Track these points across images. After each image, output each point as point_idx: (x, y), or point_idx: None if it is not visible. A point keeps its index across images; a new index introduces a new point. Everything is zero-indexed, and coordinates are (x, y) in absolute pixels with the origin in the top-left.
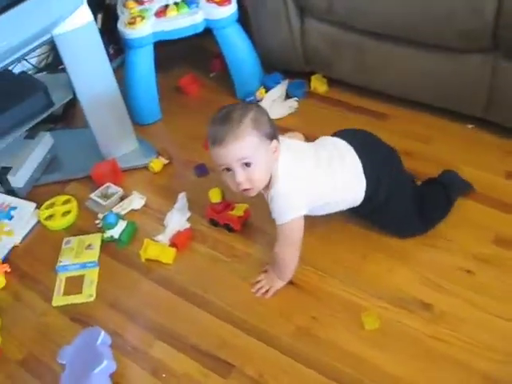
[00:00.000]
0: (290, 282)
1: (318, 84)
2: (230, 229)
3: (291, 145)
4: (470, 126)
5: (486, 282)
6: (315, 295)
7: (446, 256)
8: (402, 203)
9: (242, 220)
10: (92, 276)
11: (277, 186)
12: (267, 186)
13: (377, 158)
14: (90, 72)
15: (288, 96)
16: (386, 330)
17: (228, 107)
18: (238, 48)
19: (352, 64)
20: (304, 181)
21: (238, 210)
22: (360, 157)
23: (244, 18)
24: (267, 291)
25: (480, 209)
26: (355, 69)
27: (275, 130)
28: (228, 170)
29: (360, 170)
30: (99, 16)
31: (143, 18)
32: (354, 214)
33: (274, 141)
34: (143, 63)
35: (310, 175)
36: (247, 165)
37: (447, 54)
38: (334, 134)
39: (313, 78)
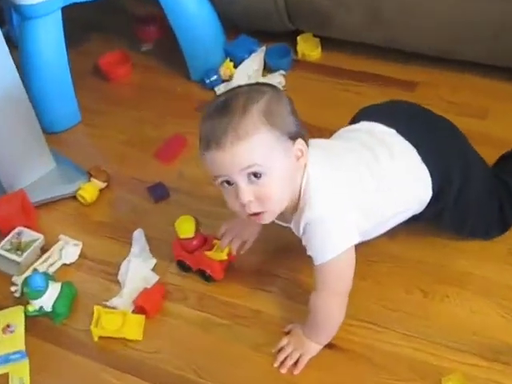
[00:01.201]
0: (328, 344)
1: (308, 48)
2: (206, 277)
3: (322, 145)
4: None
5: None
6: (369, 359)
7: None
8: (482, 190)
9: (224, 266)
10: (20, 373)
11: (312, 207)
12: (293, 209)
13: (435, 136)
14: None
15: (268, 69)
16: None
17: (229, 92)
18: (186, 3)
19: (360, 16)
20: (350, 195)
21: (219, 252)
22: (411, 141)
23: None
24: (296, 362)
25: None
26: (365, 22)
27: (300, 126)
28: (228, 183)
29: (417, 160)
30: None
31: None
32: (410, 222)
33: (299, 141)
34: (50, 39)
35: (357, 186)
36: (256, 176)
37: None
38: (357, 118)
39: (300, 39)
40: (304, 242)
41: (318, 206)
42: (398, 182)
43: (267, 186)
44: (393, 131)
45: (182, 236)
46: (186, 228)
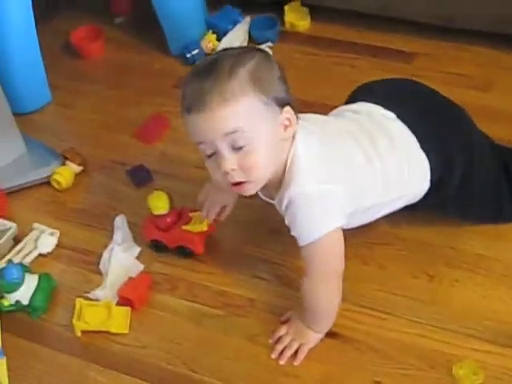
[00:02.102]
0: (330, 333)
1: (297, 18)
2: (186, 253)
3: (315, 120)
4: None
5: None
6: (375, 348)
7: None
8: (489, 176)
9: (204, 238)
10: None
11: (297, 182)
12: (278, 184)
13: (437, 122)
14: None
15: (253, 41)
16: None
17: (215, 54)
18: None
19: None
20: (340, 173)
21: (199, 224)
22: (411, 127)
23: None
24: (296, 352)
25: None
26: None
27: (289, 94)
28: (211, 154)
29: (416, 147)
30: None
31: None
32: (412, 209)
33: (287, 109)
34: (17, 13)
35: (348, 167)
36: (240, 143)
37: None
38: (355, 97)
39: (287, 8)
40: (287, 221)
41: (304, 183)
42: (393, 169)
43: (251, 153)
44: (392, 115)
45: (155, 213)
46: (159, 204)
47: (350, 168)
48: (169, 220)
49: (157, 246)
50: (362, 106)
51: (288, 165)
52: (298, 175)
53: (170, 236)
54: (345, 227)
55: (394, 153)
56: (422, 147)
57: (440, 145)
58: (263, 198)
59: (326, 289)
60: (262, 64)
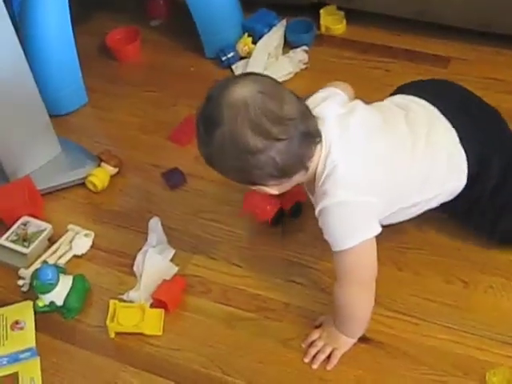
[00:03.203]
0: (363, 339)
1: (332, 21)
2: (298, 209)
3: (353, 116)
4: None
5: None
6: (408, 354)
7: None
8: None
9: None
10: (31, 372)
11: (334, 193)
12: (312, 182)
13: (475, 117)
14: None
15: (289, 45)
16: None
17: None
18: None
19: None
20: (380, 184)
21: None
22: (451, 121)
23: None
24: (329, 357)
25: None
26: None
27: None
28: None
29: (455, 142)
30: None
31: None
32: (441, 212)
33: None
34: (53, 16)
35: (390, 169)
36: None
37: None
38: (397, 93)
39: (323, 12)
40: (320, 225)
41: (340, 194)
42: (431, 164)
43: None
44: (432, 108)
45: None
46: None
47: (390, 174)
48: None
49: (277, 220)
50: (404, 99)
51: (325, 172)
52: (335, 187)
53: (285, 198)
54: (384, 223)
55: (434, 149)
56: (462, 144)
57: (479, 144)
58: (309, 195)
59: (356, 295)
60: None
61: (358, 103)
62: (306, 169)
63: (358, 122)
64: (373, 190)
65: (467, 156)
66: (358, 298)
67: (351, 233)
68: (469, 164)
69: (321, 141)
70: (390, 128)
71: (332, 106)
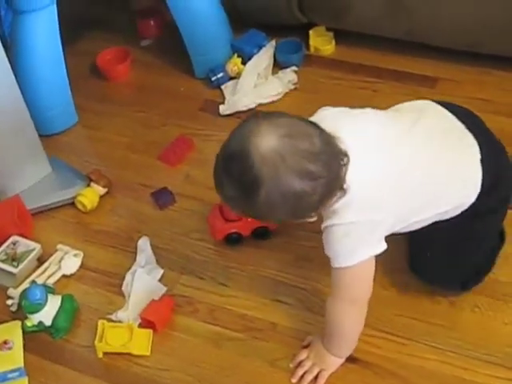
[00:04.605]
0: (351, 359)
1: (321, 42)
2: (264, 233)
3: (365, 131)
4: None
5: None
6: (396, 374)
7: None
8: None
9: None
10: None
11: (341, 216)
12: None
13: (492, 138)
14: None
15: (278, 65)
16: None
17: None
18: None
19: (381, 5)
20: (390, 202)
21: None
22: (476, 138)
23: None
24: (316, 378)
25: None
26: (385, 13)
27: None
28: None
29: (476, 159)
30: None
31: None
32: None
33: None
34: (44, 35)
35: (401, 185)
36: None
37: None
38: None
39: (312, 33)
40: (323, 239)
41: (347, 216)
42: (448, 176)
43: None
44: (456, 120)
45: None
46: None
47: (401, 189)
48: None
49: (233, 240)
50: (430, 105)
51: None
52: (346, 208)
53: (243, 223)
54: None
55: (452, 157)
56: (482, 160)
57: (494, 162)
58: None
59: (347, 313)
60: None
61: (370, 114)
62: (344, 190)
63: (372, 135)
64: (383, 208)
65: (482, 175)
66: (349, 315)
67: (353, 253)
68: (483, 183)
69: (348, 160)
70: (404, 140)
71: (344, 121)
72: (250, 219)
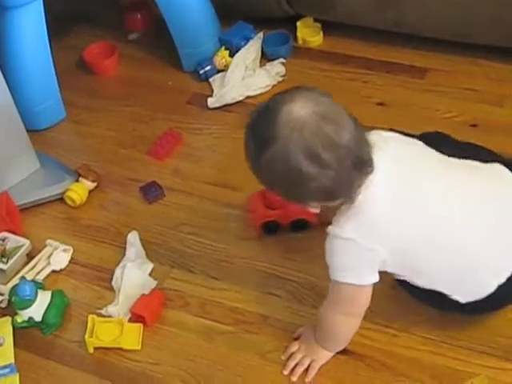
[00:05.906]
0: (343, 350)
1: (309, 33)
2: (303, 225)
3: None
4: None
5: None
6: (387, 366)
7: None
8: None
9: None
10: None
11: (341, 226)
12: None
13: None
14: None
15: (266, 57)
16: None
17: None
18: None
19: None
20: (393, 237)
21: None
22: None
23: None
24: (307, 369)
25: None
26: (373, 4)
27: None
28: None
29: None
30: None
31: None
32: None
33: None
34: (31, 30)
35: (410, 227)
36: None
37: None
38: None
39: (300, 25)
40: (325, 244)
41: (347, 229)
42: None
43: None
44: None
45: None
46: None
47: (407, 232)
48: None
49: (269, 229)
50: (492, 167)
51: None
52: (351, 222)
53: (283, 212)
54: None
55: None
56: None
57: None
58: None
59: (341, 323)
60: None
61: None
62: (351, 197)
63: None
64: (382, 242)
65: None
66: (341, 325)
67: (347, 272)
68: None
69: (372, 170)
70: (449, 196)
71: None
72: (291, 209)
